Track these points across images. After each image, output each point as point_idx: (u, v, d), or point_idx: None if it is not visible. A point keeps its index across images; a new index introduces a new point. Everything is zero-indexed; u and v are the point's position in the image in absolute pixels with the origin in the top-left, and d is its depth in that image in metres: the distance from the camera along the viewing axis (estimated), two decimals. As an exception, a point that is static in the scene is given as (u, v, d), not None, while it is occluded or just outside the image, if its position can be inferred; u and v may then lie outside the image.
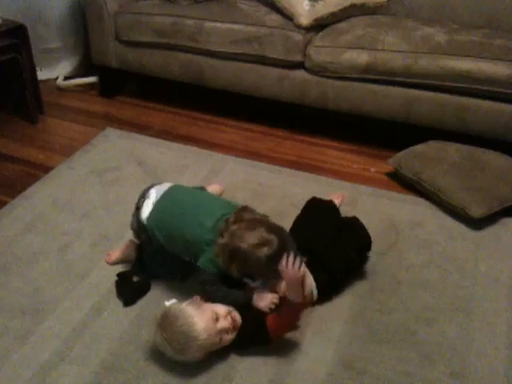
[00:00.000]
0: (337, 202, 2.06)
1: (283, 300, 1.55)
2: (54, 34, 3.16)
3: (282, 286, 1.57)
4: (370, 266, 1.88)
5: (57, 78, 3.22)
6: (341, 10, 2.58)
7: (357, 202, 2.21)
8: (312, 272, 1.63)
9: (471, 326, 1.67)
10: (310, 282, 1.63)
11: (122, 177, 2.34)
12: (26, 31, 2.64)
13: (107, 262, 1.88)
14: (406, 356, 1.58)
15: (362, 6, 2.66)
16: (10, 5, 2.97)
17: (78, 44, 3.25)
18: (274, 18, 2.62)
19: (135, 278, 1.79)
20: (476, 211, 2.06)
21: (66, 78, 3.22)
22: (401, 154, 2.38)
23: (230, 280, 1.58)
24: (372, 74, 2.42)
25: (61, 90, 3.16)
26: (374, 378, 1.51)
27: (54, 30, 3.15)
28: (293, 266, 1.49)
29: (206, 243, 1.59)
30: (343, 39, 2.47)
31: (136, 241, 1.89)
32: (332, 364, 1.55)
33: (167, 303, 1.53)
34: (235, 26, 2.58)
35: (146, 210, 1.76)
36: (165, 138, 2.67)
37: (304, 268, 1.55)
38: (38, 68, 2.88)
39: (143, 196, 1.80)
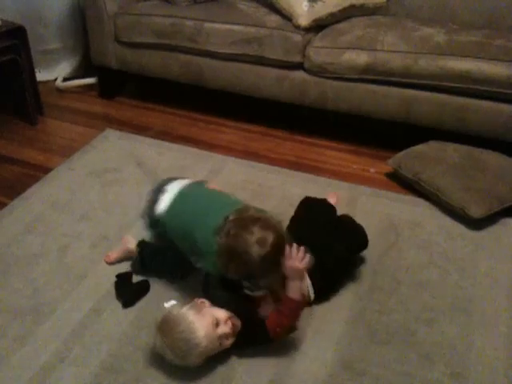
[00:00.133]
0: (332, 201, 2.05)
1: (283, 298, 1.54)
2: (54, 35, 3.16)
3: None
4: (369, 266, 1.88)
5: (56, 79, 3.22)
6: (340, 11, 2.58)
7: (356, 203, 2.21)
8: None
9: (471, 326, 1.67)
10: (306, 280, 1.62)
11: (122, 178, 2.34)
12: (25, 32, 2.64)
13: (106, 262, 1.88)
14: (406, 356, 1.57)
15: (362, 6, 2.66)
16: (10, 6, 2.97)
17: (77, 45, 3.25)
18: (274, 18, 2.62)
19: (134, 279, 1.79)
20: (476, 211, 2.06)
21: (65, 79, 3.22)
22: (400, 154, 2.38)
23: (232, 285, 1.57)
24: (371, 75, 2.42)
25: (60, 91, 3.16)
26: (374, 378, 1.51)
27: (53, 31, 3.15)
28: (296, 256, 1.48)
29: (210, 245, 1.55)
30: (342, 40, 2.47)
31: (133, 240, 1.88)
32: (332, 365, 1.55)
33: (166, 305, 1.53)
34: (235, 27, 2.59)
35: (162, 205, 1.73)
36: (164, 139, 2.67)
37: (308, 259, 1.52)
38: (36, 69, 2.88)
39: (160, 190, 1.78)
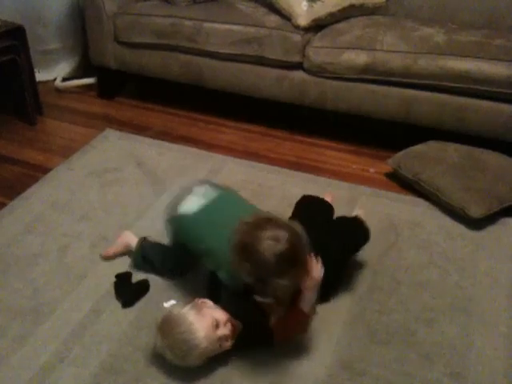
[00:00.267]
0: (328, 200, 2.04)
1: (294, 308, 1.53)
2: (53, 35, 3.16)
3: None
4: (369, 266, 1.88)
5: (55, 79, 3.22)
6: (339, 11, 2.58)
7: (356, 203, 2.21)
8: None
9: (471, 327, 1.67)
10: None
11: (122, 178, 2.34)
12: (24, 32, 2.64)
13: (104, 257, 1.89)
14: (406, 356, 1.57)
15: (361, 6, 2.66)
16: (9, 6, 2.97)
17: (76, 45, 3.25)
18: (273, 18, 2.62)
19: (134, 279, 1.79)
20: (475, 211, 2.06)
21: (64, 79, 3.22)
22: (400, 154, 2.38)
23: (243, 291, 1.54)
24: (371, 75, 2.42)
25: (59, 91, 3.16)
26: (374, 378, 1.51)
27: (52, 31, 3.14)
28: (316, 266, 1.48)
29: (228, 255, 1.50)
30: (342, 40, 2.47)
31: (133, 235, 1.89)
32: (331, 365, 1.54)
33: (166, 304, 1.53)
34: (234, 27, 2.59)
35: (188, 205, 1.69)
36: (164, 139, 2.67)
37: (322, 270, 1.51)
38: (36, 69, 2.88)
39: (188, 190, 1.74)
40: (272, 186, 2.30)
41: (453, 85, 2.31)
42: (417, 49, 2.36)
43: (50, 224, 2.07)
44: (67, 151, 2.54)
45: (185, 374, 1.49)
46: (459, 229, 2.09)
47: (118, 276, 1.79)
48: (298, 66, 2.55)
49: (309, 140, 2.70)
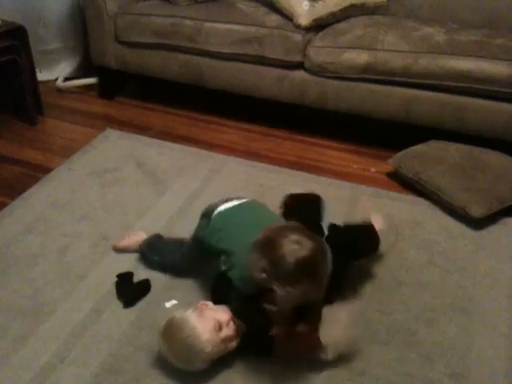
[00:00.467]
0: None
1: (311, 333, 1.52)
2: (54, 35, 3.16)
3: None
4: (370, 266, 1.87)
5: (56, 79, 3.22)
6: (340, 10, 2.58)
7: (357, 202, 2.21)
8: None
9: (471, 327, 1.67)
10: None
11: (122, 178, 2.34)
12: (25, 32, 2.63)
13: (114, 249, 1.91)
14: (406, 356, 1.57)
15: (362, 6, 2.66)
16: (10, 6, 2.97)
17: (77, 45, 3.25)
18: (274, 18, 2.62)
19: (135, 279, 1.79)
20: (476, 211, 2.06)
21: (65, 79, 3.22)
22: (401, 153, 2.38)
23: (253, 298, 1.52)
24: (372, 74, 2.42)
25: (60, 91, 3.16)
26: (374, 378, 1.51)
27: (53, 31, 3.14)
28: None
29: (244, 259, 1.48)
30: (343, 39, 2.47)
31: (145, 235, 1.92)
32: (332, 365, 1.54)
33: (167, 304, 1.53)
34: (234, 27, 2.59)
35: (225, 206, 1.71)
36: (164, 139, 2.67)
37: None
38: (37, 69, 2.87)
39: (228, 199, 1.75)
40: (273, 186, 2.30)
41: (453, 84, 2.31)
42: (417, 48, 2.36)
43: (51, 224, 2.07)
44: (68, 151, 2.54)
45: (186, 375, 1.48)
46: (460, 228, 2.08)
47: (119, 276, 1.79)
48: (298, 66, 2.55)
49: (309, 140, 2.70)
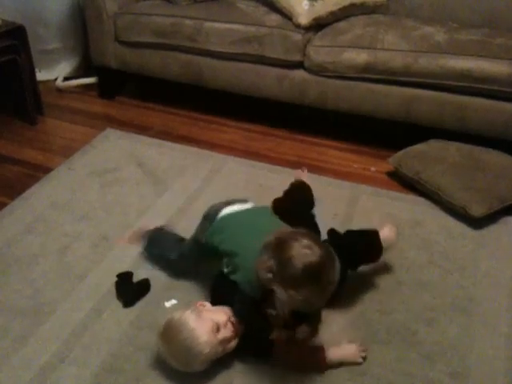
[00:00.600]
0: (303, 177, 2.02)
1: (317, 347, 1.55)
2: (54, 35, 3.16)
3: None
4: (370, 265, 1.87)
5: (56, 78, 3.22)
6: (340, 10, 2.58)
7: (357, 202, 2.21)
8: None
9: (471, 326, 1.67)
10: None
11: (122, 178, 2.34)
12: (25, 32, 2.63)
13: (119, 243, 1.92)
14: (407, 356, 1.57)
15: (362, 5, 2.65)
16: (9, 6, 2.97)
17: (77, 45, 3.25)
18: (273, 17, 2.62)
19: (135, 279, 1.79)
20: (476, 210, 2.05)
21: (65, 79, 3.22)
22: (401, 153, 2.38)
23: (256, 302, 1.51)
24: (371, 74, 2.41)
25: (60, 91, 3.16)
26: (375, 378, 1.51)
27: (53, 30, 3.14)
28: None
29: (250, 262, 1.48)
30: (342, 39, 2.47)
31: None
32: (331, 364, 1.54)
33: (167, 304, 1.53)
34: (234, 26, 2.58)
35: (228, 209, 1.70)
36: (165, 139, 2.66)
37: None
38: (36, 69, 2.87)
39: (231, 202, 1.75)
40: (273, 186, 2.29)
41: (453, 84, 2.31)
42: (417, 48, 2.36)
43: (51, 224, 2.07)
44: (68, 151, 2.54)
45: (186, 375, 1.48)
46: (460, 228, 2.08)
47: (118, 276, 1.79)
48: (298, 65, 2.55)
49: (309, 139, 2.70)
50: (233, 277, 1.53)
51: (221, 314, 1.48)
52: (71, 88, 3.17)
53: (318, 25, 2.57)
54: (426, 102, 2.39)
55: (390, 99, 2.44)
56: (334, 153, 2.60)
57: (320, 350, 1.53)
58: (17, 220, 2.09)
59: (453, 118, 2.38)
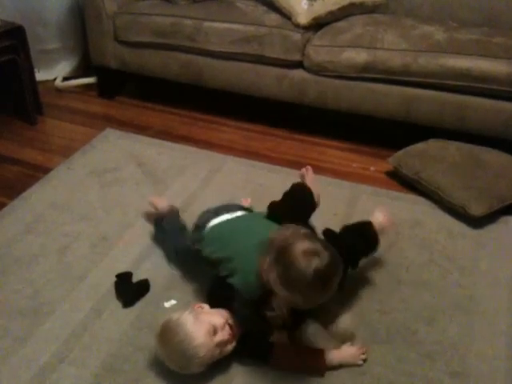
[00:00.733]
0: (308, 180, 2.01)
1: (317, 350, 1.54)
2: (53, 35, 3.16)
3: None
4: (369, 265, 1.87)
5: (55, 78, 3.22)
6: (339, 9, 2.58)
7: (357, 202, 2.21)
8: None
9: (471, 326, 1.67)
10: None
11: (122, 178, 2.34)
12: (24, 32, 2.63)
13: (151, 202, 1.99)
14: (407, 356, 1.57)
15: (361, 4, 2.65)
16: (9, 6, 2.97)
17: (76, 45, 3.25)
18: (273, 17, 2.62)
19: (134, 279, 1.79)
20: (476, 210, 2.05)
21: (64, 79, 3.22)
22: (400, 152, 2.38)
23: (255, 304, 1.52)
24: (371, 73, 2.41)
25: (60, 91, 3.16)
26: (375, 378, 1.51)
27: (52, 30, 3.14)
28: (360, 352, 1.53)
29: (248, 263, 1.50)
30: (342, 38, 2.47)
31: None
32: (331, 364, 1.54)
33: (166, 304, 1.53)
34: (234, 26, 2.58)
35: (217, 220, 1.73)
36: (164, 139, 2.66)
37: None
38: (36, 69, 2.88)
39: (225, 211, 1.77)
40: (272, 186, 2.29)
41: (453, 83, 2.31)
42: (417, 47, 2.36)
43: (50, 224, 2.07)
44: (67, 151, 2.54)
45: (185, 376, 1.47)
46: (460, 227, 2.08)
47: (118, 276, 1.79)
48: (298, 65, 2.55)
49: (309, 139, 2.69)
50: (230, 280, 1.53)
51: (218, 317, 1.47)
52: (71, 88, 3.17)
53: (318, 24, 2.57)
54: (425, 102, 2.39)
55: (389, 99, 2.44)
56: (333, 152, 2.60)
57: (320, 352, 1.53)
58: (16, 220, 2.09)
59: (453, 118, 2.38)
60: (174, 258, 1.87)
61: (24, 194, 2.23)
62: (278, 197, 2.21)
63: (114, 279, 1.78)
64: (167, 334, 1.44)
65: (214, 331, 1.43)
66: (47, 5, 3.06)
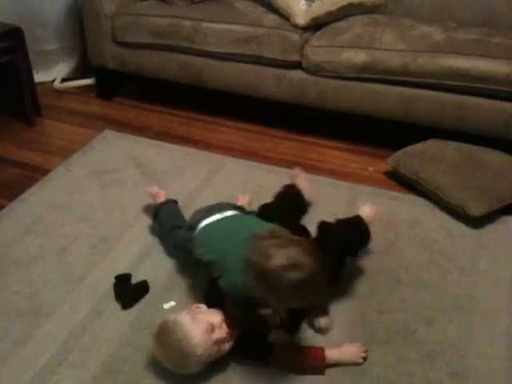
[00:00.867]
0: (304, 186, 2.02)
1: (316, 349, 1.54)
2: (51, 36, 3.16)
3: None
4: (369, 265, 1.87)
5: (54, 80, 3.22)
6: (338, 10, 2.58)
7: (356, 202, 2.21)
8: None
9: (471, 326, 1.67)
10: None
11: (121, 178, 2.34)
12: (22, 34, 2.63)
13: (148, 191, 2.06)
14: (406, 356, 1.57)
15: (360, 5, 2.65)
16: (7, 7, 2.96)
17: (75, 46, 3.25)
18: (271, 18, 2.62)
19: (134, 281, 1.78)
20: (475, 210, 2.05)
21: (63, 80, 3.22)
22: (399, 153, 2.38)
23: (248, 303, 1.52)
24: (370, 74, 2.41)
25: (58, 92, 3.16)
26: (375, 378, 1.51)
27: (50, 31, 3.14)
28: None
29: (235, 263, 1.49)
30: (341, 38, 2.47)
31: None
32: (331, 365, 1.53)
33: (166, 306, 1.53)
34: (232, 27, 2.58)
35: (207, 221, 1.74)
36: (163, 140, 2.66)
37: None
38: (34, 70, 2.87)
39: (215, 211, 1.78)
40: (271, 186, 2.27)
41: (452, 83, 2.31)
42: (416, 47, 2.36)
43: (50, 225, 2.06)
44: (66, 152, 2.54)
45: (184, 377, 1.47)
46: (459, 227, 2.08)
47: (117, 277, 1.79)
48: (296, 66, 2.55)
49: (308, 139, 2.70)
50: (219, 281, 1.54)
51: (216, 315, 1.48)
52: (69, 89, 3.18)
53: (316, 25, 2.57)
54: (424, 102, 2.39)
55: (388, 99, 2.44)
56: (332, 153, 2.60)
57: (319, 350, 1.53)
58: (16, 221, 2.08)
59: (452, 118, 2.38)
60: (172, 252, 1.89)
61: (23, 196, 2.23)
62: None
63: (113, 280, 1.78)
64: (164, 333, 1.44)
65: (212, 329, 1.43)
66: (45, 6, 3.06)
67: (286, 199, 1.94)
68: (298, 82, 2.57)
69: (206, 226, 1.72)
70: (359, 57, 2.40)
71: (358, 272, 1.84)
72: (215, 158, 2.51)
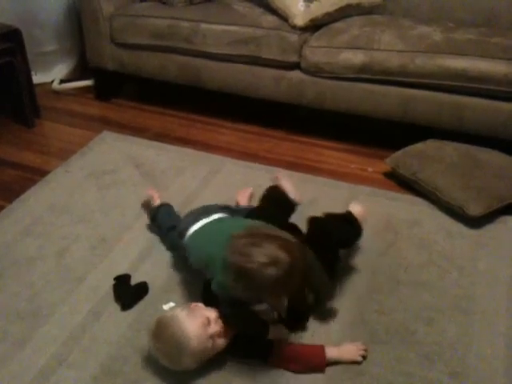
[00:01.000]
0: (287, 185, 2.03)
1: (316, 347, 1.55)
2: (50, 37, 3.16)
3: None
4: (368, 265, 1.87)
5: (52, 81, 3.21)
6: (336, 10, 2.58)
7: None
8: None
9: (471, 326, 1.67)
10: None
11: (119, 180, 2.34)
12: (21, 35, 2.64)
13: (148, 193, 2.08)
14: (406, 356, 1.57)
15: (358, 5, 2.65)
16: (5, 8, 2.96)
17: (73, 47, 3.25)
18: (270, 18, 2.62)
19: (133, 282, 1.78)
20: (474, 210, 2.05)
21: (61, 82, 3.22)
22: (398, 153, 2.38)
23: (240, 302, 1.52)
24: (368, 74, 2.42)
25: (57, 93, 3.16)
26: (374, 378, 1.51)
27: (49, 33, 3.14)
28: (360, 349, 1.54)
29: (217, 262, 1.50)
30: (339, 39, 2.47)
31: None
32: (331, 365, 1.54)
33: (165, 307, 1.53)
34: (231, 28, 2.58)
35: (194, 228, 1.75)
36: (162, 141, 2.66)
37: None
38: (33, 72, 2.87)
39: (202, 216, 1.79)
40: (271, 187, 2.29)
41: (451, 83, 2.31)
42: (414, 48, 2.36)
43: (49, 226, 2.06)
44: (65, 153, 2.54)
45: (184, 376, 1.48)
46: (458, 227, 2.08)
47: (116, 278, 1.79)
48: (295, 66, 2.55)
49: (307, 140, 2.70)
50: (212, 284, 1.54)
51: (213, 311, 1.49)
52: (68, 90, 3.17)
53: (315, 26, 2.57)
54: (423, 102, 2.39)
55: (387, 99, 2.44)
56: (331, 153, 2.60)
57: (320, 348, 1.53)
58: (15, 223, 2.08)
59: (451, 118, 2.38)
60: (172, 252, 1.92)
61: (22, 197, 2.23)
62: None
63: (113, 282, 1.78)
64: (160, 327, 1.45)
65: (208, 323, 1.44)
66: (44, 7, 3.06)
67: (270, 200, 1.96)
68: (296, 82, 2.57)
69: (194, 232, 1.73)
70: (357, 57, 2.40)
71: (358, 272, 1.85)
72: (214, 158, 2.51)
